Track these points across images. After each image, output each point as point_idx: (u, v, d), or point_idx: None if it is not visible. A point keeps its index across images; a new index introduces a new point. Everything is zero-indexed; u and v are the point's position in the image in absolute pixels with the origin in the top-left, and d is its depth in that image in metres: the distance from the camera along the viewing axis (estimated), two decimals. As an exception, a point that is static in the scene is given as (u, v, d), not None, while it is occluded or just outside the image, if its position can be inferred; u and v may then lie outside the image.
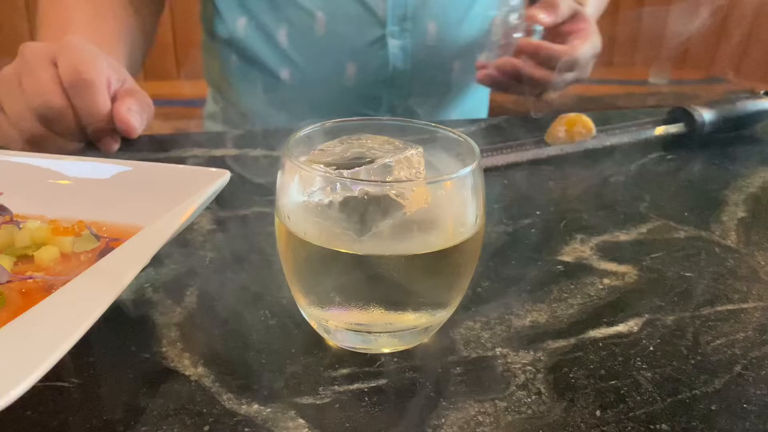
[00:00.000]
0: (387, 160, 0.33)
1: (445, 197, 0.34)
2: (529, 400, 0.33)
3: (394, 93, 0.87)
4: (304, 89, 0.86)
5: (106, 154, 0.61)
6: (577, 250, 0.48)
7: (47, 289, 0.36)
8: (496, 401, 0.33)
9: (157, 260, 0.44)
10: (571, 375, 0.35)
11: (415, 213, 0.33)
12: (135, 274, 0.33)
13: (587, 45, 0.77)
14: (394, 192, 0.32)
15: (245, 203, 0.54)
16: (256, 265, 0.45)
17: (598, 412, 0.33)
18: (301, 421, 0.32)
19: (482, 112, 1.02)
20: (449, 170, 0.33)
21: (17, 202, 0.43)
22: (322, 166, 0.33)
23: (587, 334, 0.39)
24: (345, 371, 0.35)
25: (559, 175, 0.63)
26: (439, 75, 0.89)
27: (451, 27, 0.85)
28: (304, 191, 0.33)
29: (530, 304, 0.42)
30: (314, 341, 0.37)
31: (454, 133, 0.37)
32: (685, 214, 0.55)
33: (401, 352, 0.37)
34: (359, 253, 0.32)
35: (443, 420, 0.32)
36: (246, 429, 0.31)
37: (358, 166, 0.33)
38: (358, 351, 0.36)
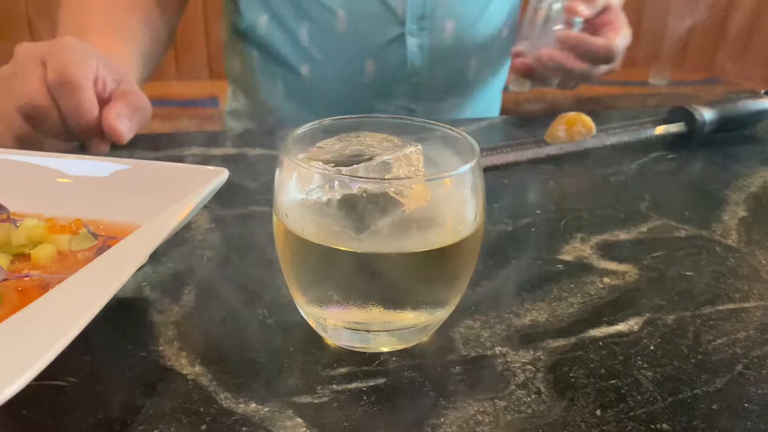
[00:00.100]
0: (386, 157, 0.33)
1: (444, 195, 0.33)
2: (529, 399, 0.33)
3: (411, 90, 0.89)
4: (323, 85, 0.88)
5: (102, 153, 0.61)
6: (577, 249, 0.48)
7: (44, 288, 0.36)
8: (496, 400, 0.33)
9: (155, 259, 0.44)
10: (571, 374, 0.35)
11: (414, 211, 0.32)
12: (132, 273, 0.33)
13: (622, 37, 0.78)
14: (392, 190, 0.32)
15: (244, 202, 0.54)
16: (254, 264, 0.45)
17: (598, 412, 0.32)
18: (299, 420, 0.31)
19: (494, 111, 1.03)
20: (449, 166, 0.33)
21: (14, 200, 0.43)
22: (320, 163, 0.33)
23: (587, 333, 0.39)
24: (343, 370, 0.35)
25: (559, 174, 0.63)
26: (454, 72, 0.91)
27: (467, 26, 0.87)
28: (302, 189, 0.33)
29: (530, 303, 0.41)
30: (312, 340, 0.37)
31: (453, 131, 0.37)
32: (686, 213, 0.55)
33: (400, 351, 0.36)
34: (358, 251, 0.32)
35: (442, 419, 0.32)
36: (243, 428, 0.31)
37: (357, 164, 0.32)
38: (356, 350, 0.36)
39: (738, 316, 0.41)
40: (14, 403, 0.26)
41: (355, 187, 0.32)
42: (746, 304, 0.42)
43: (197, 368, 0.35)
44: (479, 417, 0.32)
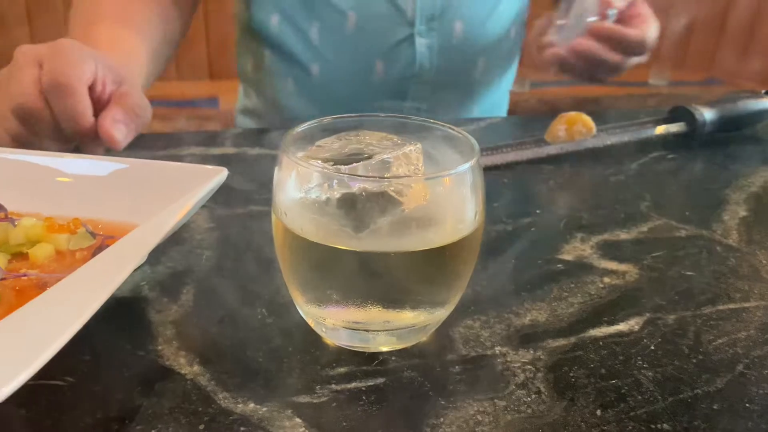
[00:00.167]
0: (385, 156, 0.33)
1: (443, 194, 0.33)
2: (529, 399, 0.33)
3: (420, 89, 0.90)
4: (333, 84, 0.89)
5: (98, 154, 0.60)
6: (577, 248, 0.48)
7: (41, 287, 0.36)
8: (496, 400, 0.33)
9: (153, 258, 0.44)
10: (571, 374, 0.35)
11: (413, 210, 0.32)
12: (129, 272, 0.32)
13: (653, 29, 0.78)
14: (392, 188, 0.32)
15: (243, 201, 0.54)
16: (253, 264, 0.45)
17: (598, 412, 0.32)
18: (298, 420, 0.31)
19: (502, 110, 1.03)
20: (450, 163, 0.33)
21: (12, 199, 0.43)
22: (319, 162, 0.32)
23: (588, 333, 0.38)
24: (342, 370, 0.35)
25: (559, 174, 0.63)
26: (463, 72, 0.91)
27: (476, 26, 0.88)
28: (301, 187, 0.33)
29: (530, 302, 0.41)
30: (311, 339, 0.37)
31: (453, 129, 0.36)
32: (686, 213, 0.55)
33: (399, 350, 0.36)
34: (357, 250, 0.32)
35: (442, 419, 0.32)
36: (242, 428, 0.31)
37: (356, 162, 0.32)
38: (355, 349, 0.36)
39: (739, 315, 0.41)
40: (11, 403, 0.26)
41: (355, 186, 0.31)
42: (747, 304, 0.42)
43: (196, 368, 0.34)
44: (479, 417, 0.32)
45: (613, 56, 0.76)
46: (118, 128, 0.57)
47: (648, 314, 0.40)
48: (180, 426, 0.31)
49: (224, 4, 2.11)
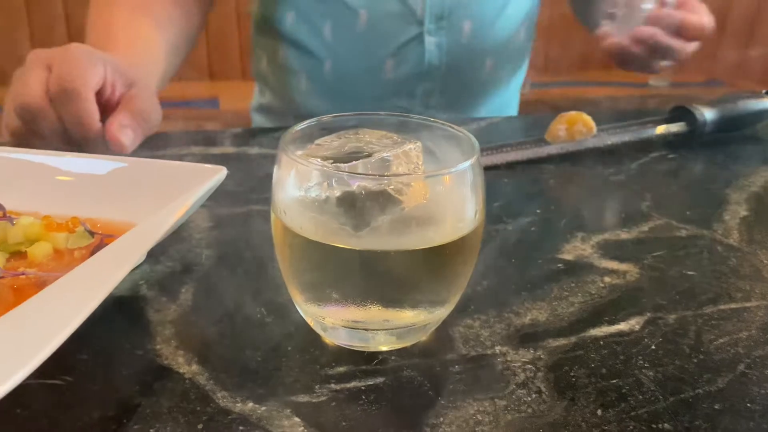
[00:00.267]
0: (385, 154, 0.33)
1: (443, 192, 0.33)
2: (529, 398, 0.33)
3: (429, 87, 0.90)
4: (345, 81, 0.90)
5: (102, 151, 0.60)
6: (577, 248, 0.48)
7: (40, 285, 0.36)
8: (496, 400, 0.33)
9: (152, 257, 0.44)
10: (571, 374, 0.35)
11: (413, 208, 0.32)
12: (127, 271, 0.32)
13: (709, 15, 0.78)
14: (392, 187, 0.31)
15: (242, 201, 0.53)
16: (252, 263, 0.44)
17: (599, 411, 0.32)
18: (297, 419, 0.31)
19: (512, 110, 1.04)
20: (451, 160, 0.33)
21: (11, 198, 0.43)
22: (318, 160, 0.32)
23: (588, 333, 0.38)
24: (342, 369, 0.35)
25: (559, 173, 0.63)
26: (471, 71, 0.92)
27: (485, 26, 0.89)
28: (300, 186, 0.33)
29: (530, 302, 0.41)
30: (311, 339, 0.37)
31: (453, 128, 0.36)
32: (687, 212, 0.54)
33: (399, 350, 0.36)
34: (356, 249, 0.32)
35: (441, 419, 0.31)
36: (240, 427, 0.31)
37: (356, 161, 0.32)
38: (355, 349, 0.36)
39: (740, 315, 0.40)
40: (9, 402, 0.26)
41: (354, 184, 0.31)
42: (748, 304, 0.42)
43: (194, 367, 0.34)
44: (479, 416, 0.32)
45: (675, 42, 0.75)
46: (125, 133, 0.57)
47: (649, 314, 0.40)
48: (178, 425, 0.30)
49: (224, 5, 2.11)
